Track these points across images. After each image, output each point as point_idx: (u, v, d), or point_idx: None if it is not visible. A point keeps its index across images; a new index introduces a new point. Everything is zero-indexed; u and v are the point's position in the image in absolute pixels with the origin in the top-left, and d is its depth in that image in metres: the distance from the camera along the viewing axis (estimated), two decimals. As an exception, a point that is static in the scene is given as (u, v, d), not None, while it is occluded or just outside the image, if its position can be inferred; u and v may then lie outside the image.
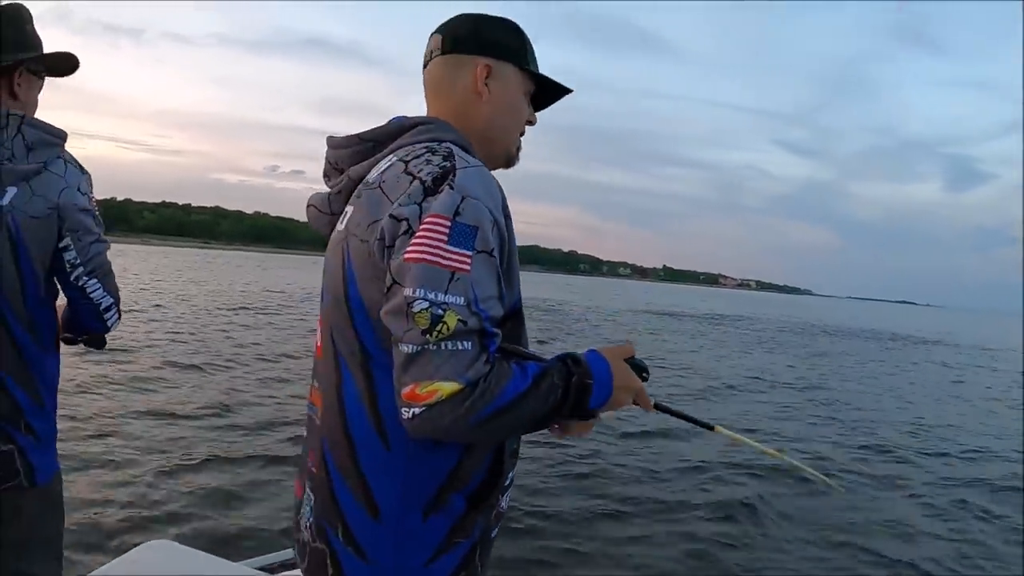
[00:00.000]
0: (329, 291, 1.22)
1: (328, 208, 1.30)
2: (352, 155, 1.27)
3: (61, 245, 1.64)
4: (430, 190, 1.07)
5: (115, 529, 4.66)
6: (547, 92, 1.40)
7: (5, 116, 1.61)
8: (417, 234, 1.04)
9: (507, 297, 1.12)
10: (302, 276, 47.15)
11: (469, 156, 1.16)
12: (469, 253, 1.04)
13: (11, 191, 1.57)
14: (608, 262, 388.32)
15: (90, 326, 1.76)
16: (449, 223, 1.04)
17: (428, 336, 1.01)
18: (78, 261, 1.65)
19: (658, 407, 1.27)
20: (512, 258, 1.14)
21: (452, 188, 1.06)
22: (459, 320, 1.01)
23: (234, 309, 20.96)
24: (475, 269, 1.04)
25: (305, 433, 1.30)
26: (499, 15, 1.33)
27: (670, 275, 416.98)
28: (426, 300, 1.01)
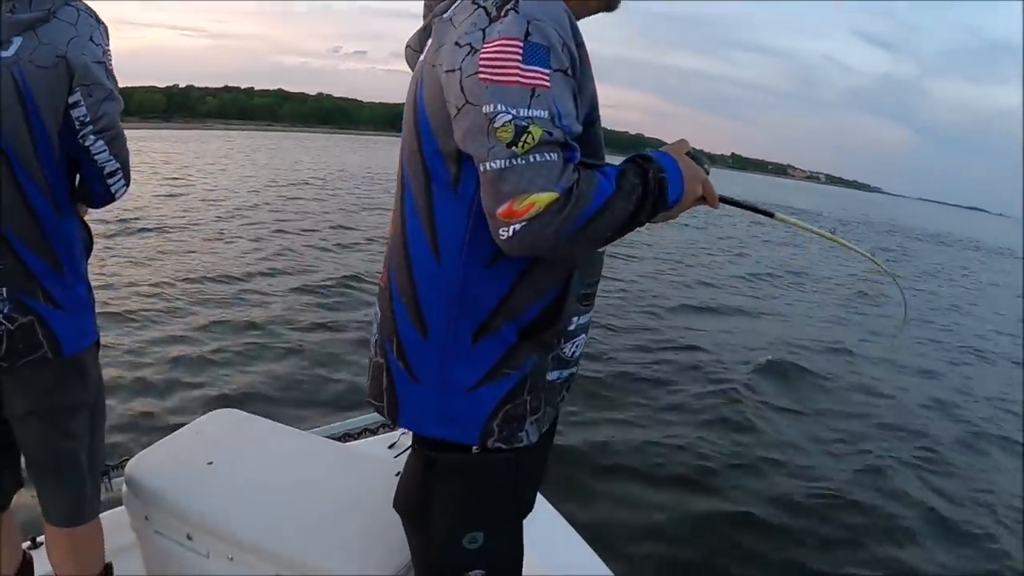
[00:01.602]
0: (406, 119, 1.25)
1: (417, 45, 1.34)
2: None
3: (71, 101, 1.50)
4: (493, 16, 1.09)
5: (180, 404, 4.80)
6: None
7: None
8: (488, 56, 1.06)
9: (581, 116, 1.13)
10: (361, 157, 47.26)
11: None
12: (547, 71, 1.05)
13: (16, 42, 1.45)
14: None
15: (94, 190, 1.62)
16: (521, 43, 1.05)
17: (515, 148, 1.03)
18: (88, 119, 1.52)
19: (723, 199, 1.28)
20: (584, 79, 1.13)
21: (517, 12, 1.07)
22: (544, 131, 1.03)
23: (296, 184, 21.32)
24: (555, 85, 1.05)
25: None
26: None
27: (738, 163, 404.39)
28: (508, 114, 1.03)
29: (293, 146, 58.83)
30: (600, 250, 1.28)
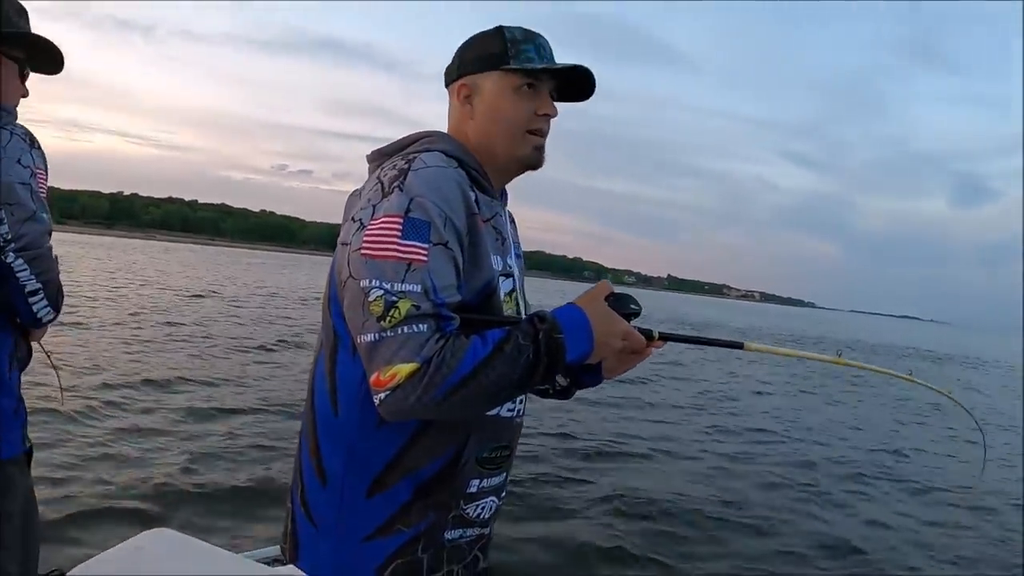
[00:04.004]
0: (328, 276, 1.28)
1: None
2: (372, 169, 1.33)
3: None
4: (386, 192, 1.16)
5: (116, 517, 4.62)
6: (567, 82, 1.36)
7: None
8: (371, 232, 1.13)
9: (471, 285, 1.19)
10: (300, 276, 47.10)
11: (435, 158, 1.22)
12: (425, 246, 1.11)
13: None
14: (613, 270, 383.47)
15: (17, 307, 1.64)
16: (402, 219, 1.12)
17: (382, 322, 1.08)
18: (9, 236, 1.57)
19: (664, 337, 1.25)
20: (476, 251, 1.20)
21: (401, 190, 1.15)
22: (412, 305, 1.08)
23: (236, 302, 21.05)
24: (433, 260, 1.11)
25: None
26: (490, 27, 1.34)
27: (675, 284, 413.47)
28: (381, 289, 1.09)
29: (239, 263, 58.19)
30: (509, 415, 1.30)
